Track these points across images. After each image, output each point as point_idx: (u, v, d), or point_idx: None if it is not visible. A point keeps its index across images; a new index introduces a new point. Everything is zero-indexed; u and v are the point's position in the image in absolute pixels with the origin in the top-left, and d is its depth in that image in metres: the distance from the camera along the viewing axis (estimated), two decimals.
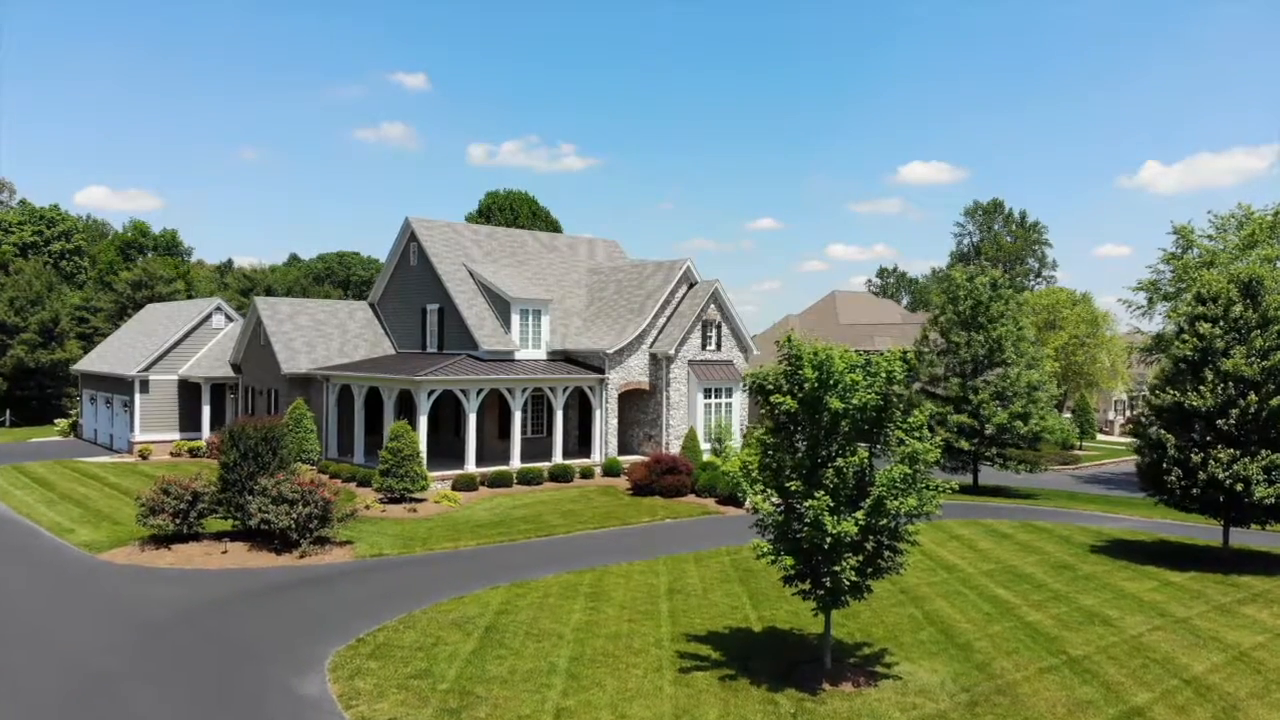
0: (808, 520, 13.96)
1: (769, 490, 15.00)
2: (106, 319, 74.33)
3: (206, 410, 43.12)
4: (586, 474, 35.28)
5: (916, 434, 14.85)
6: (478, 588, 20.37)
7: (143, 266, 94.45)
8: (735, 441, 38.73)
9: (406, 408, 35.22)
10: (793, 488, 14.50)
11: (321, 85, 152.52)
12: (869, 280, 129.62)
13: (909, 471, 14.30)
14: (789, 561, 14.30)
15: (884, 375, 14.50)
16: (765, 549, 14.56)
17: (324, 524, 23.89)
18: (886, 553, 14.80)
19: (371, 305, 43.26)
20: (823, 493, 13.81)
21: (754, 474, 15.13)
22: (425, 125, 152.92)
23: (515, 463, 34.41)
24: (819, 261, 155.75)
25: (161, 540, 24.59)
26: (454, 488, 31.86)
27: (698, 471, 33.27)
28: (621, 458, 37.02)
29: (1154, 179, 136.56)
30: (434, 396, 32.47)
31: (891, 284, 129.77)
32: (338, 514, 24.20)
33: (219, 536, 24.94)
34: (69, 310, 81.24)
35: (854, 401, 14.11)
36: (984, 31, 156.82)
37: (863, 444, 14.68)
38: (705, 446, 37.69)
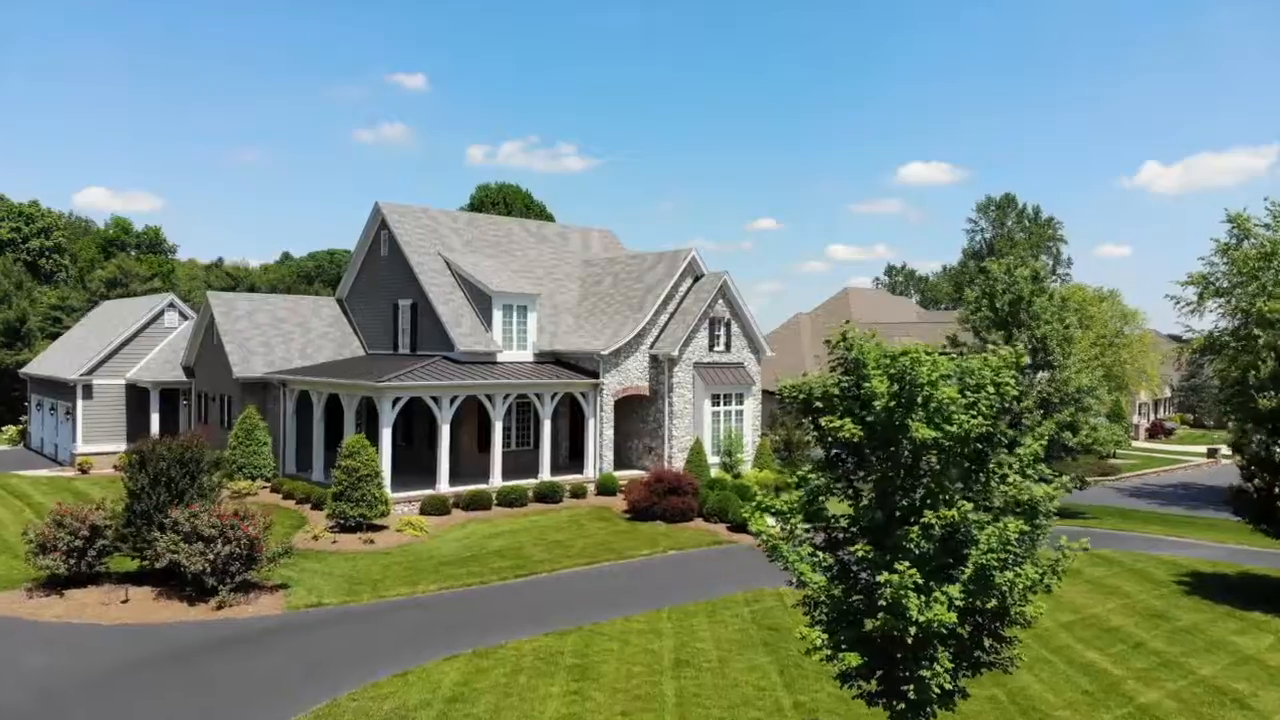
0: (883, 602, 9.49)
1: (820, 552, 10.55)
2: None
3: (155, 418, 38.62)
4: (578, 493, 30.81)
5: (1032, 471, 10.43)
6: (429, 657, 15.90)
7: (117, 264, 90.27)
8: (747, 454, 34.30)
9: (372, 417, 30.80)
10: (859, 553, 10.03)
11: (321, 86, 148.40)
12: (876, 279, 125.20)
13: (1026, 529, 9.86)
14: (853, 660, 9.82)
15: (991, 388, 10.05)
16: (817, 642, 10.05)
17: (249, 566, 19.44)
18: (988, 641, 10.36)
19: (339, 301, 38.77)
20: (907, 565, 9.33)
21: (795, 524, 10.64)
22: (425, 126, 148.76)
23: (496, 480, 29.92)
24: (819, 262, 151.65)
25: (56, 584, 20.16)
26: (422, 511, 27.39)
27: (705, 491, 28.81)
28: (618, 473, 32.55)
29: (1154, 179, 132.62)
30: (400, 405, 28.00)
31: (900, 283, 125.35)
32: (268, 552, 19.76)
33: (126, 579, 20.52)
34: (42, 309, 76.94)
35: (952, 429, 9.64)
36: (983, 32, 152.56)
37: (955, 485, 10.17)
38: (713, 460, 33.26)
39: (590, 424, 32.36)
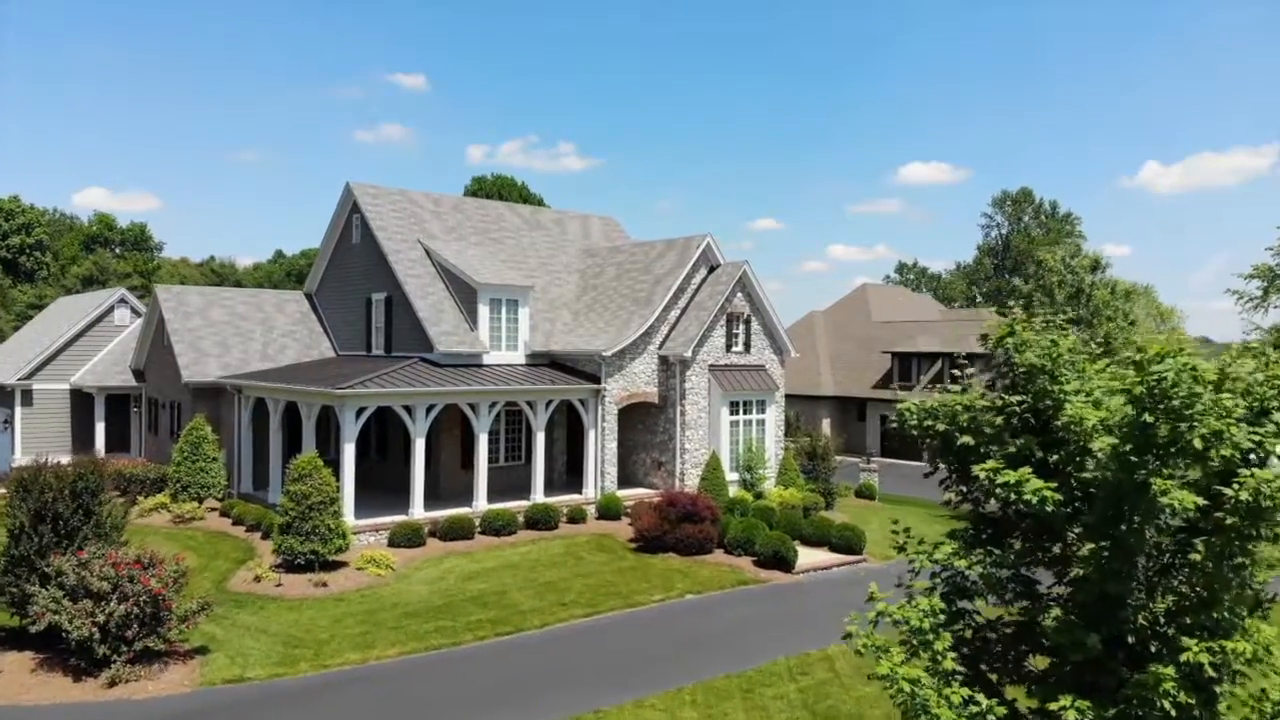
0: None
1: (980, 696, 6.28)
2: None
3: (101, 428, 34.39)
4: (576, 517, 26.50)
5: None
6: None
7: (94, 260, 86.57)
8: (770, 469, 30.04)
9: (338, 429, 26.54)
10: (1069, 713, 5.76)
11: (321, 86, 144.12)
12: (887, 276, 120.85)
13: None
14: None
15: None
16: None
17: (153, 629, 15.19)
18: None
19: (308, 296, 34.49)
20: None
21: (942, 652, 6.38)
22: (425, 126, 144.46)
23: (480, 503, 25.63)
24: (819, 262, 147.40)
25: None
26: (391, 542, 23.12)
27: (726, 518, 24.51)
28: (622, 493, 28.28)
29: (1154, 179, 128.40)
30: (365, 416, 23.73)
31: (911, 280, 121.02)
32: (180, 609, 15.51)
33: (8, 639, 16.28)
34: (18, 309, 73.19)
35: (1241, 494, 5.39)
36: (983, 33, 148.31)
37: (1228, 585, 5.90)
38: (731, 477, 28.99)
39: (590, 436, 28.08)
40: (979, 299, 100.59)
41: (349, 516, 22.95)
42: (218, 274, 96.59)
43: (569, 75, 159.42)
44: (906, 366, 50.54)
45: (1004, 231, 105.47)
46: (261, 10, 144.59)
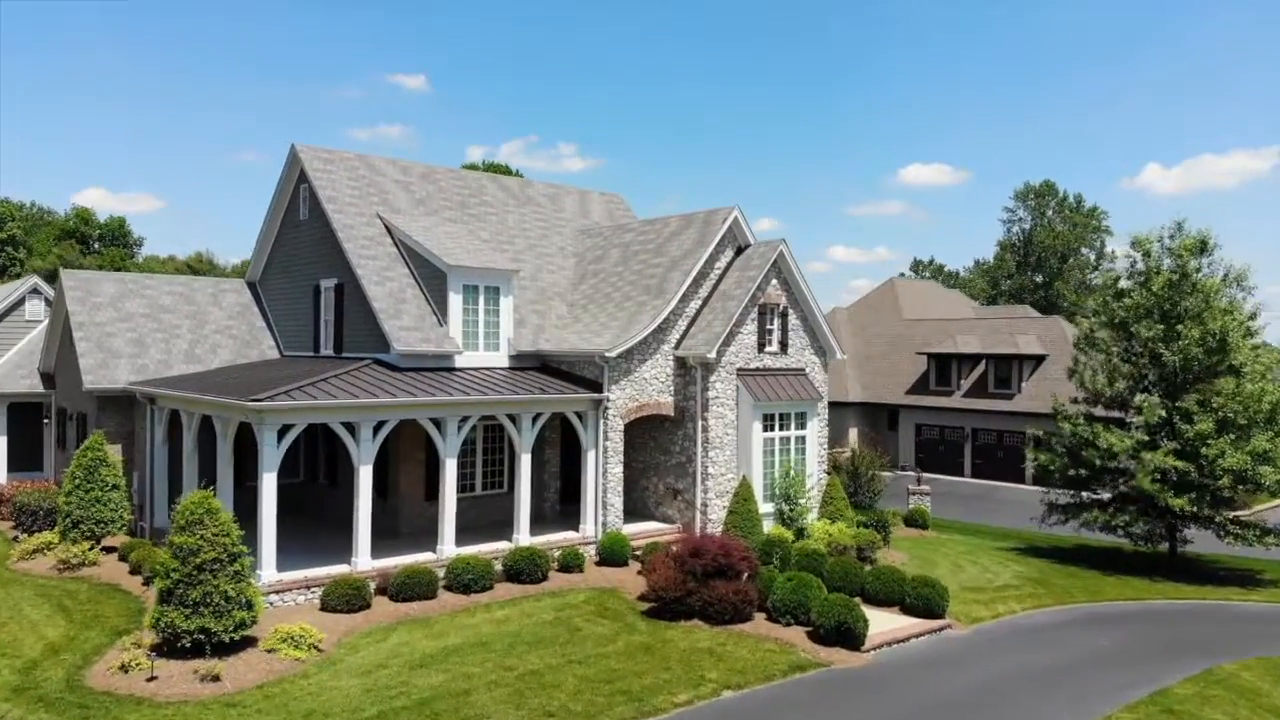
0: None
1: None
2: None
3: (2, 442, 28.73)
4: (570, 563, 20.78)
5: None
6: None
7: (58, 253, 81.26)
8: (812, 499, 24.39)
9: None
10: None
11: (321, 86, 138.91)
12: (902, 274, 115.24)
13: None
14: None
15: None
16: None
17: None
18: None
19: (250, 285, 28.80)
20: None
21: None
22: (425, 127, 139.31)
23: (447, 548, 19.93)
24: (821, 263, 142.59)
25: None
26: (324, 605, 17.43)
27: (768, 571, 18.81)
28: (629, 529, 22.65)
29: (1155, 181, 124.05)
30: (291, 435, 18.03)
31: (926, 279, 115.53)
32: None
33: None
34: None
35: None
36: (983, 34, 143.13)
37: None
38: (765, 509, 23.36)
39: (590, 457, 22.39)
40: (1003, 296, 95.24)
41: (268, 570, 17.32)
42: (194, 270, 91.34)
43: (570, 76, 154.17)
44: (945, 369, 44.94)
45: (1026, 227, 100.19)
46: (262, 11, 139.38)
